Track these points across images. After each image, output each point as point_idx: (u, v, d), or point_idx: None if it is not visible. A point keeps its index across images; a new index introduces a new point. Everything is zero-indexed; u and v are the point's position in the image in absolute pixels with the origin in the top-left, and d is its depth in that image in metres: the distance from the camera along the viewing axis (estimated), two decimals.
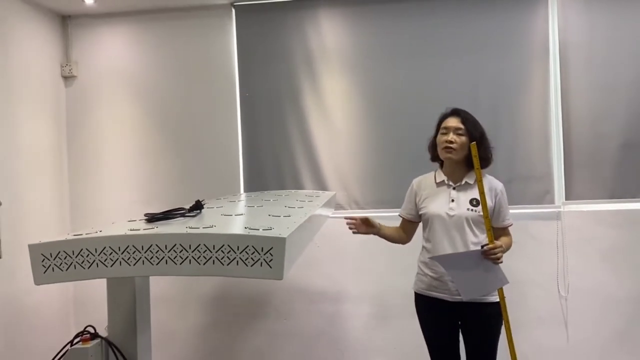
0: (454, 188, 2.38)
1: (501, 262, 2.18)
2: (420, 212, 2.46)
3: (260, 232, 1.40)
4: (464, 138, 2.32)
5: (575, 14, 3.42)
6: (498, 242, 2.20)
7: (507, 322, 2.14)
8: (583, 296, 3.42)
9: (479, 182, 2.13)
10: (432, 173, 2.50)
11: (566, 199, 3.44)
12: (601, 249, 3.42)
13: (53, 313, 3.68)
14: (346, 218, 2.52)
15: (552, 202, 3.45)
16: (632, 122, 3.34)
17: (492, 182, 2.40)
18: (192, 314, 3.82)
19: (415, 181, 2.56)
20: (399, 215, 2.60)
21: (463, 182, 2.37)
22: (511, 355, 2.19)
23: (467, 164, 2.36)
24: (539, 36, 3.46)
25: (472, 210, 2.30)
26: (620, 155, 3.35)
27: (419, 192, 2.49)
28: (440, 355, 2.44)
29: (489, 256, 2.14)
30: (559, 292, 3.44)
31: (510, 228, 2.43)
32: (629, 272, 3.39)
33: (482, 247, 2.16)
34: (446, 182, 2.41)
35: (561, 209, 3.44)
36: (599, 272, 3.41)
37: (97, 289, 3.30)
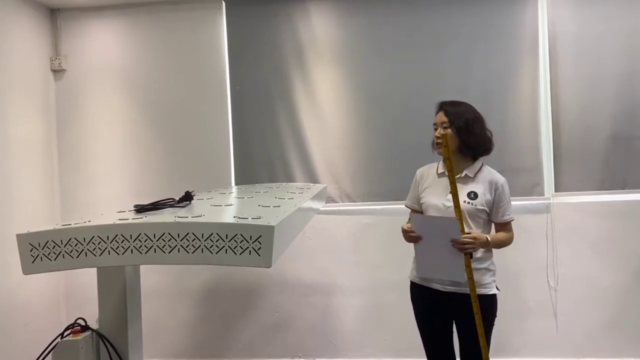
0: None
1: (470, 252, 2.16)
2: (420, 202, 2.47)
3: (249, 221, 1.40)
4: (449, 130, 2.32)
5: (564, 7, 3.45)
6: (475, 235, 2.19)
7: (478, 313, 2.15)
8: (572, 287, 3.46)
9: (450, 172, 2.14)
10: (436, 164, 2.50)
11: (555, 190, 3.47)
12: (590, 240, 3.45)
13: (44, 306, 3.68)
14: (407, 231, 2.31)
15: (541, 194, 3.48)
16: (619, 114, 3.38)
17: (493, 175, 2.38)
18: (183, 307, 3.82)
19: (418, 171, 2.56)
20: (406, 205, 2.58)
21: (463, 174, 2.35)
22: (483, 351, 2.19)
23: (468, 155, 2.36)
24: (529, 29, 3.48)
25: (468, 203, 2.29)
26: (608, 148, 3.39)
27: (421, 182, 2.49)
28: (433, 345, 2.45)
29: (456, 245, 2.14)
30: (548, 283, 3.48)
31: (512, 223, 2.40)
32: (617, 263, 3.43)
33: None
34: (446, 173, 2.37)
35: (550, 201, 3.47)
36: (588, 263, 3.45)
37: (87, 282, 3.30)
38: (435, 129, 2.39)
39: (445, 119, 2.34)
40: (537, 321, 3.49)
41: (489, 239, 2.27)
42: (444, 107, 2.39)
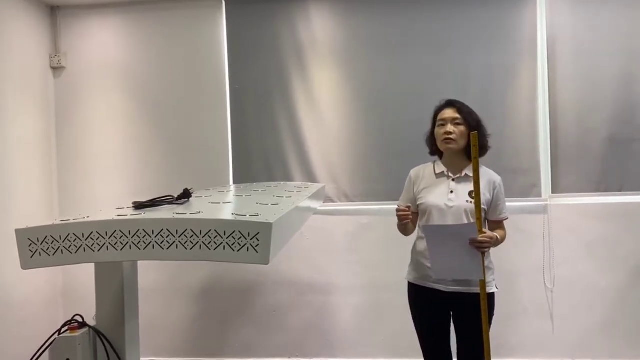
0: (453, 179, 2.37)
1: (485, 251, 2.17)
2: (418, 203, 2.44)
3: (247, 218, 1.40)
4: (462, 127, 2.32)
5: (563, 9, 3.46)
6: (490, 234, 2.19)
7: (485, 311, 2.15)
8: (568, 288, 3.47)
9: (475, 172, 2.09)
10: (431, 164, 2.49)
11: (553, 192, 3.48)
12: (587, 242, 3.46)
13: (41, 303, 3.67)
14: (399, 211, 2.32)
15: (539, 195, 3.49)
16: (617, 116, 3.39)
17: (490, 175, 2.40)
18: (180, 305, 3.82)
19: (412, 172, 2.54)
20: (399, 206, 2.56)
21: (463, 174, 2.36)
22: (485, 347, 2.19)
23: (467, 155, 2.35)
24: (528, 31, 3.49)
25: (471, 202, 2.28)
26: (606, 149, 3.41)
27: (417, 182, 2.47)
28: (431, 344, 2.45)
29: (474, 244, 2.13)
30: (545, 284, 3.49)
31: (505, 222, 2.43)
32: (614, 264, 3.44)
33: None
34: (446, 173, 2.40)
35: (548, 202, 3.48)
36: (584, 265, 3.46)
37: (85, 280, 3.31)
38: (442, 125, 2.37)
39: (457, 115, 2.34)
40: (533, 322, 3.49)
41: (498, 237, 2.29)
42: (455, 104, 2.38)
